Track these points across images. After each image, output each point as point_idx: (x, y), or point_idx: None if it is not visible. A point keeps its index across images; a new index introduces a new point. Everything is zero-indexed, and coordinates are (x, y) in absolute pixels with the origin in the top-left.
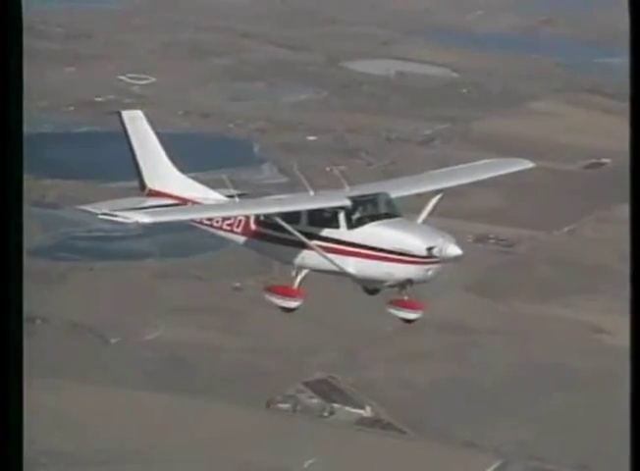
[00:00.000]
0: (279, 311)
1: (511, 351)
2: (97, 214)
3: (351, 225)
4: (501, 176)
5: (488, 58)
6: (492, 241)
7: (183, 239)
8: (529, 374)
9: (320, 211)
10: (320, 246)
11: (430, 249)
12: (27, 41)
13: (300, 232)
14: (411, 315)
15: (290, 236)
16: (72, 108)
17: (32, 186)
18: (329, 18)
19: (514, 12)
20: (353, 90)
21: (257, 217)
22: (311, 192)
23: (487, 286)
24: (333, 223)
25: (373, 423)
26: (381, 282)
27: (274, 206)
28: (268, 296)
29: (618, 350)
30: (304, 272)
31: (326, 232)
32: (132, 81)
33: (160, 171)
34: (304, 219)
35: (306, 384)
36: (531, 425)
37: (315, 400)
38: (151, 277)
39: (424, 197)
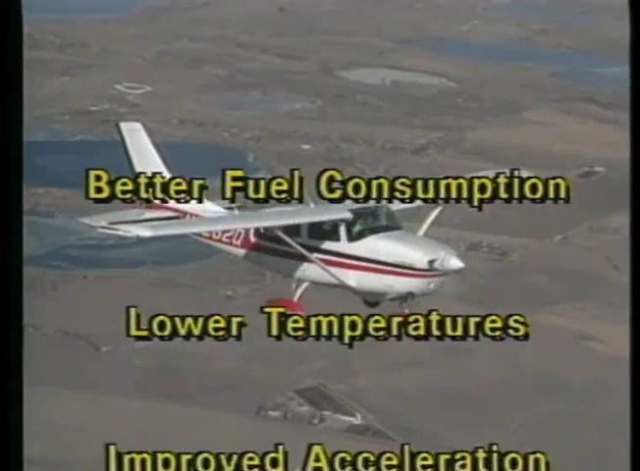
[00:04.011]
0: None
1: (501, 359)
2: (97, 227)
3: (352, 237)
4: None
5: (483, 67)
6: (484, 250)
7: (175, 247)
8: (518, 382)
9: (320, 223)
10: (320, 259)
11: (431, 262)
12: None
13: (301, 244)
14: None
15: (290, 249)
16: (67, 117)
17: (25, 195)
18: (324, 27)
19: (510, 22)
20: (348, 99)
21: (257, 229)
22: (312, 205)
23: (478, 294)
24: (333, 235)
25: (363, 430)
26: (382, 295)
27: (275, 219)
28: (269, 311)
29: (608, 358)
30: (304, 285)
31: (326, 244)
32: (127, 91)
33: None
34: (305, 231)
35: (297, 391)
36: (520, 432)
37: (305, 408)
38: (143, 285)
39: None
